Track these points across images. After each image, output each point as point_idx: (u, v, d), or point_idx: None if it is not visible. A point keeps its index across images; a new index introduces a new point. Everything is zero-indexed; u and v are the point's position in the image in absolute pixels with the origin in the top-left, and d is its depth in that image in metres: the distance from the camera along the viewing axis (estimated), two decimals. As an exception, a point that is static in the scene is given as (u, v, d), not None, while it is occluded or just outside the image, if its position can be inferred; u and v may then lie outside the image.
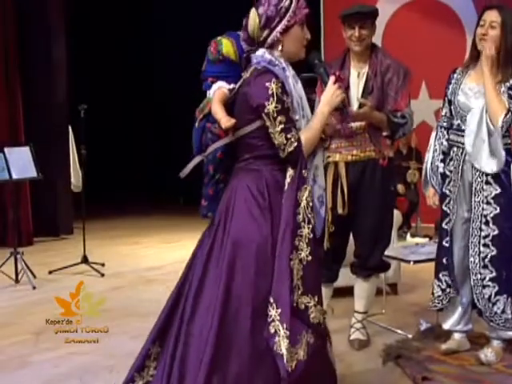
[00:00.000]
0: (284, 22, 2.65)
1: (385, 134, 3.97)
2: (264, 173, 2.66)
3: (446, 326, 3.92)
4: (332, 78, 2.79)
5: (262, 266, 2.56)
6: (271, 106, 2.56)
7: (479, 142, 3.58)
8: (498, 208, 3.64)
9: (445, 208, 3.83)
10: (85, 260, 6.51)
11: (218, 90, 2.81)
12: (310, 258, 2.59)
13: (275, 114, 2.57)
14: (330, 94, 2.76)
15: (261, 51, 2.69)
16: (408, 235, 7.96)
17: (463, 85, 3.76)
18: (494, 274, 3.64)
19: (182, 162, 2.77)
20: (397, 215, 5.07)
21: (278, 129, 2.59)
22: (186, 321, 2.65)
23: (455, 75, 3.83)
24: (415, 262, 4.34)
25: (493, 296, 3.65)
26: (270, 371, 2.51)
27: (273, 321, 2.51)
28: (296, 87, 2.71)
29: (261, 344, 2.52)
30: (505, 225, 3.65)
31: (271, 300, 2.51)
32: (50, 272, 6.39)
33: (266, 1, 2.67)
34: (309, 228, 2.60)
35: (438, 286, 3.86)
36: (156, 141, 13.13)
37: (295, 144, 2.59)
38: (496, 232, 3.64)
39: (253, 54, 2.72)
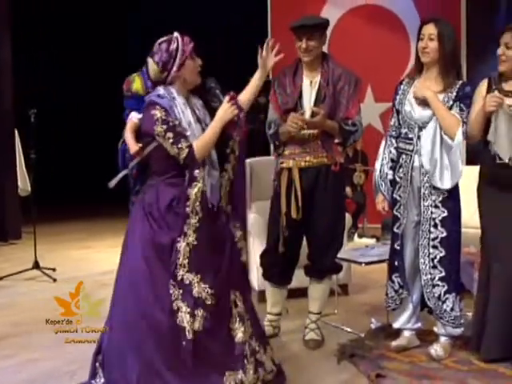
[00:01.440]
0: (177, 61, 3.23)
1: (336, 141, 4.11)
2: (158, 186, 3.24)
3: (397, 324, 4.08)
4: (227, 98, 3.29)
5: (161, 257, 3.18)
6: (159, 128, 3.16)
7: (433, 161, 3.75)
8: (446, 211, 3.81)
9: (396, 213, 3.99)
10: (36, 265, 6.44)
11: (130, 120, 3.45)
12: (195, 243, 3.15)
13: (163, 133, 3.16)
14: (223, 111, 3.27)
15: (158, 88, 3.28)
16: (355, 236, 8.15)
17: (409, 95, 3.92)
18: (443, 273, 3.82)
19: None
20: (347, 218, 5.21)
21: (169, 143, 3.17)
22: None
23: (402, 86, 3.99)
24: (366, 263, 4.47)
25: (442, 295, 3.82)
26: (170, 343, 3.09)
27: (176, 299, 3.10)
28: (185, 112, 3.25)
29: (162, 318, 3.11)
30: (452, 227, 3.83)
31: (172, 282, 3.12)
32: (1, 278, 6.32)
33: (158, 50, 3.24)
34: (195, 218, 3.16)
35: (392, 287, 4.02)
36: (104, 143, 13.04)
37: (186, 151, 3.16)
38: (444, 234, 3.81)
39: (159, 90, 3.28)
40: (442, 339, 3.96)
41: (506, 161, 3.69)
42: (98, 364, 3.36)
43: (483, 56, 8.23)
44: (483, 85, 3.89)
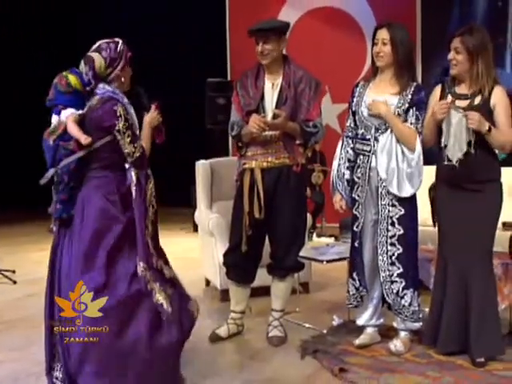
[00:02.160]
0: (122, 61, 3.44)
1: (298, 142, 4.19)
2: (112, 177, 3.39)
3: (360, 321, 4.18)
4: (153, 107, 3.53)
5: (122, 243, 3.32)
6: (121, 124, 3.31)
7: (391, 171, 3.88)
8: (403, 210, 3.92)
9: (355, 212, 4.08)
10: (-5, 267, 6.41)
11: (71, 115, 3.43)
12: (153, 233, 3.40)
13: (124, 130, 3.32)
14: (151, 118, 3.51)
15: (101, 85, 3.41)
16: (314, 235, 8.24)
17: (365, 97, 4.02)
18: (400, 270, 3.92)
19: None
20: (308, 218, 5.30)
21: (128, 140, 3.33)
22: None
23: (358, 88, 4.09)
24: (328, 261, 4.56)
25: (400, 290, 3.93)
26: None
27: (148, 281, 3.30)
28: (133, 112, 3.47)
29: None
30: (409, 225, 3.94)
31: (141, 264, 3.29)
32: (-43, 281, 6.25)
33: (107, 47, 3.43)
34: (152, 212, 3.41)
35: (352, 284, 4.11)
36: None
37: (141, 150, 3.37)
38: (401, 232, 3.92)
39: (97, 88, 3.41)
40: (402, 334, 4.07)
41: (454, 163, 3.81)
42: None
43: (438, 58, 8.44)
44: (437, 90, 4.00)
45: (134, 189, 3.37)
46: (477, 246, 3.82)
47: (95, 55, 3.40)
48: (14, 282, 6.20)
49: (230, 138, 9.98)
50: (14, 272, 6.47)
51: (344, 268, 4.91)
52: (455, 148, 3.80)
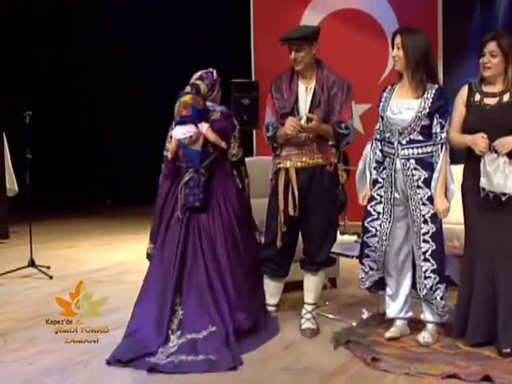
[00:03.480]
0: (217, 86, 4.61)
1: (331, 143, 4.39)
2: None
3: (391, 314, 4.35)
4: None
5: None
6: (237, 132, 4.56)
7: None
8: (433, 208, 4.09)
9: (369, 209, 4.28)
10: (32, 263, 6.59)
11: (208, 127, 4.40)
12: None
13: (238, 136, 4.55)
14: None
15: (209, 103, 4.51)
16: (338, 233, 8.39)
17: (391, 101, 4.20)
18: (434, 266, 4.10)
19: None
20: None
21: (237, 144, 4.54)
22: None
23: (384, 94, 4.27)
24: (357, 257, 4.73)
25: (434, 285, 4.11)
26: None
27: None
28: None
29: None
30: (438, 222, 4.12)
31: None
32: (-3, 276, 6.43)
33: (207, 77, 4.59)
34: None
35: (362, 269, 4.36)
36: (84, 141, 13.18)
37: (241, 153, 4.56)
38: (434, 229, 4.10)
39: (209, 104, 4.50)
40: (429, 326, 4.24)
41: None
42: None
43: (460, 61, 8.59)
44: (464, 90, 4.17)
45: (240, 180, 4.59)
46: (504, 242, 3.98)
47: (199, 82, 4.53)
48: (51, 278, 6.39)
49: (255, 138, 10.25)
50: (48, 268, 6.68)
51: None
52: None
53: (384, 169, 4.24)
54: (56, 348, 4.24)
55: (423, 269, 4.11)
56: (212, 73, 4.60)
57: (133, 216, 11.08)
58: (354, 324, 4.59)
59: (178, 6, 11.59)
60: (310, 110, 4.34)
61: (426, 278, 4.12)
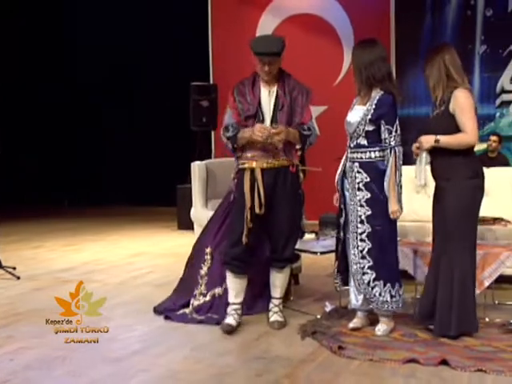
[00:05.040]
0: None
1: (297, 147, 4.66)
2: None
3: (354, 306, 4.62)
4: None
5: None
6: None
7: None
8: (370, 210, 4.39)
9: (341, 207, 4.58)
10: (-2, 264, 6.67)
11: None
12: None
13: None
14: None
15: None
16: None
17: (353, 107, 4.51)
18: (371, 263, 4.39)
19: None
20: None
21: None
22: None
23: (354, 100, 4.54)
24: (321, 253, 5.02)
25: (371, 281, 4.40)
26: None
27: None
28: None
29: None
30: (375, 223, 4.39)
31: None
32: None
33: None
34: None
35: (336, 269, 4.65)
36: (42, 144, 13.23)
37: None
38: (370, 229, 4.39)
39: None
40: (382, 318, 4.52)
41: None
42: None
43: (412, 66, 8.97)
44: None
45: None
46: (449, 236, 4.28)
47: None
48: (18, 278, 6.46)
49: (213, 140, 10.48)
50: (14, 268, 6.75)
51: (328, 260, 5.39)
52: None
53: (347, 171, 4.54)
54: (35, 345, 4.37)
55: (360, 266, 4.40)
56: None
57: (98, 216, 11.24)
58: (319, 316, 4.86)
59: (136, 9, 11.74)
60: (274, 113, 4.58)
61: (363, 273, 4.40)
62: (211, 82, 10.41)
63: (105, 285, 6.14)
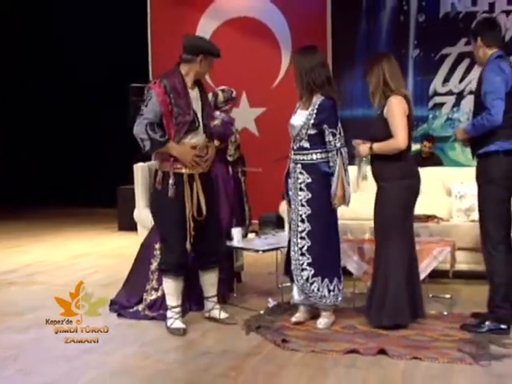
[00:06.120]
0: (232, 102, 5.80)
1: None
2: None
3: (297, 301, 4.79)
4: None
5: None
6: (234, 138, 5.85)
7: None
8: (310, 209, 4.57)
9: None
10: None
11: None
12: None
13: (233, 141, 5.80)
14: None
15: (217, 112, 5.62)
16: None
17: (297, 111, 4.68)
18: (310, 260, 4.57)
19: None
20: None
21: (234, 146, 5.87)
22: None
23: (298, 104, 4.71)
24: (263, 251, 5.18)
25: (310, 277, 4.57)
26: None
27: None
28: None
29: None
30: (315, 222, 4.56)
31: None
32: None
33: (228, 91, 5.73)
34: None
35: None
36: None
37: (237, 154, 5.90)
38: (309, 228, 4.57)
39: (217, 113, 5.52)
40: (322, 312, 4.71)
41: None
42: None
43: (348, 71, 9.22)
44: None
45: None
46: (385, 233, 4.53)
47: (220, 92, 5.70)
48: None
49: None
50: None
51: (271, 258, 5.57)
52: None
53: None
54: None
55: (299, 262, 4.58)
56: (232, 92, 5.77)
57: (37, 218, 11.14)
58: (262, 312, 5.02)
59: (75, 10, 11.70)
60: (203, 119, 4.60)
61: (302, 270, 4.57)
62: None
63: (51, 286, 6.15)
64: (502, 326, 4.40)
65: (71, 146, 12.42)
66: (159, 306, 4.96)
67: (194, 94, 4.61)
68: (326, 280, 4.58)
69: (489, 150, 4.40)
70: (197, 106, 4.59)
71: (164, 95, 4.46)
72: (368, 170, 4.73)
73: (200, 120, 4.59)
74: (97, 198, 11.58)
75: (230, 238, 5.36)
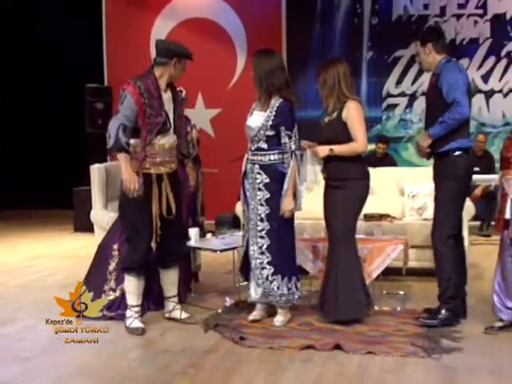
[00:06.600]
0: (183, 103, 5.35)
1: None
2: None
3: (254, 299, 4.86)
4: None
5: None
6: (191, 136, 5.93)
7: None
8: (269, 208, 4.65)
9: (244, 207, 4.83)
10: None
11: None
12: None
13: (190, 139, 5.83)
14: None
15: None
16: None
17: (253, 112, 4.74)
18: (270, 258, 4.65)
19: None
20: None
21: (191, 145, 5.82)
22: None
23: (253, 105, 4.77)
24: (221, 250, 5.24)
25: (270, 275, 4.65)
26: None
27: None
28: None
29: None
30: (274, 221, 4.65)
31: None
32: None
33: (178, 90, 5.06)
34: None
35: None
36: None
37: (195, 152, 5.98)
38: (269, 227, 4.65)
39: None
40: (279, 310, 4.78)
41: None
42: None
43: (302, 73, 9.33)
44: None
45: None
46: (338, 232, 4.67)
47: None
48: None
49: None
50: None
51: (228, 258, 5.64)
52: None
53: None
54: None
55: (259, 261, 4.65)
56: (182, 91, 5.33)
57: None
58: (220, 310, 5.08)
59: (32, 11, 11.60)
60: (175, 120, 4.67)
61: (262, 268, 4.65)
62: (106, 84, 10.44)
63: (8, 287, 6.13)
64: (456, 317, 4.63)
65: (26, 147, 12.29)
66: (117, 306, 4.97)
67: (167, 96, 4.67)
68: (286, 279, 4.66)
69: (451, 147, 4.56)
70: (169, 107, 4.67)
71: (138, 95, 4.49)
72: (318, 171, 4.83)
73: (172, 122, 4.66)
74: (51, 198, 11.47)
75: (188, 238, 5.40)
